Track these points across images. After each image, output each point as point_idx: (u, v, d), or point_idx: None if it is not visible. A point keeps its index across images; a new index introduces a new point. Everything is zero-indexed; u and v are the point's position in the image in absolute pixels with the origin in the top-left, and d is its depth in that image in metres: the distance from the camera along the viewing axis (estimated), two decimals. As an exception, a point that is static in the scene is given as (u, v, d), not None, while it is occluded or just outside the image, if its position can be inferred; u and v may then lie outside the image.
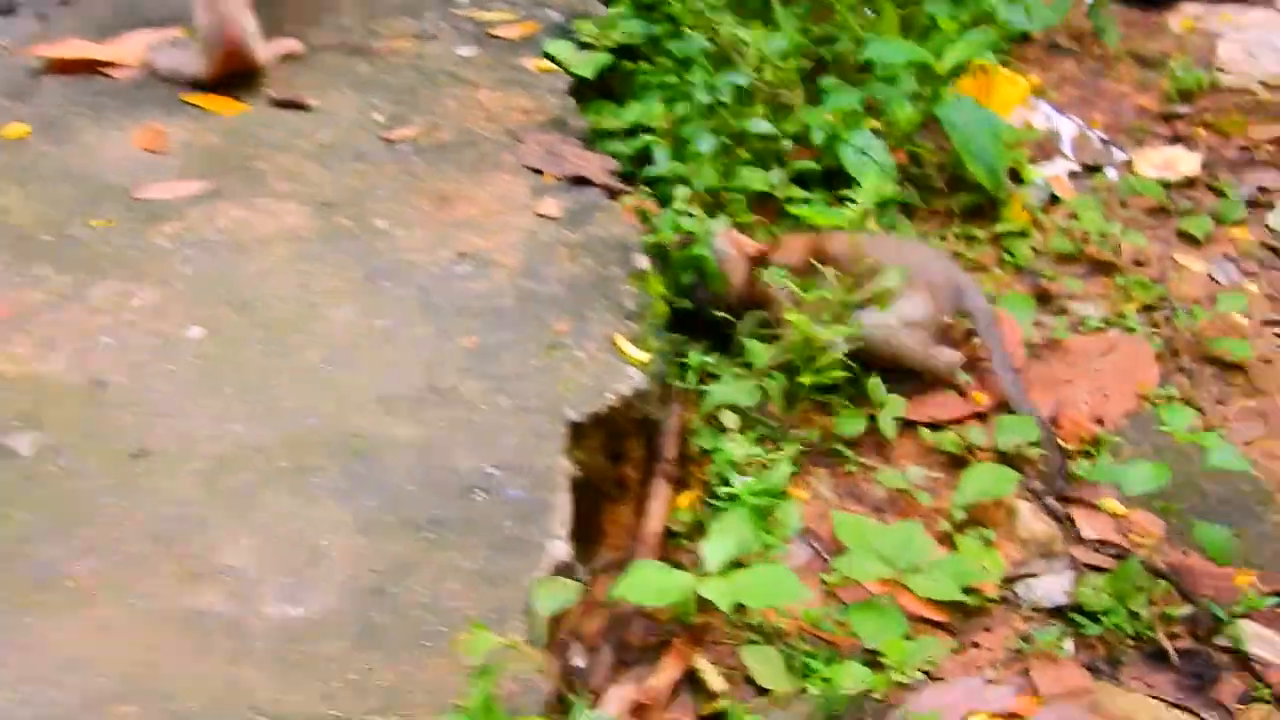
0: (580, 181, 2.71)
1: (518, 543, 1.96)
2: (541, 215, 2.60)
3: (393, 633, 1.84)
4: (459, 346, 2.27)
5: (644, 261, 2.52)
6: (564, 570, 1.93)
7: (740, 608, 2.11)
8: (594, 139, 2.93)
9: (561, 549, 1.96)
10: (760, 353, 2.54)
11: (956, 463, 2.54)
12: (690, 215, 2.63)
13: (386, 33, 3.28)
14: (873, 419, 2.56)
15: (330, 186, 2.69)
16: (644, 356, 2.29)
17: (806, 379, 2.49)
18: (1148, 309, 2.94)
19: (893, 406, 2.57)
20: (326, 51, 3.15)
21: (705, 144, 2.87)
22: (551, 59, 3.14)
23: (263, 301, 2.36)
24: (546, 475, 2.05)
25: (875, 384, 2.57)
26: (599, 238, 2.56)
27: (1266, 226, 3.22)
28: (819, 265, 2.50)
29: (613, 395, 2.19)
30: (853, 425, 2.55)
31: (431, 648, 1.83)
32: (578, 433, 2.15)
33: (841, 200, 2.95)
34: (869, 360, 2.58)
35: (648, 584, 2.06)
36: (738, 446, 2.43)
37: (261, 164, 2.75)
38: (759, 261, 2.65)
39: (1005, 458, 2.53)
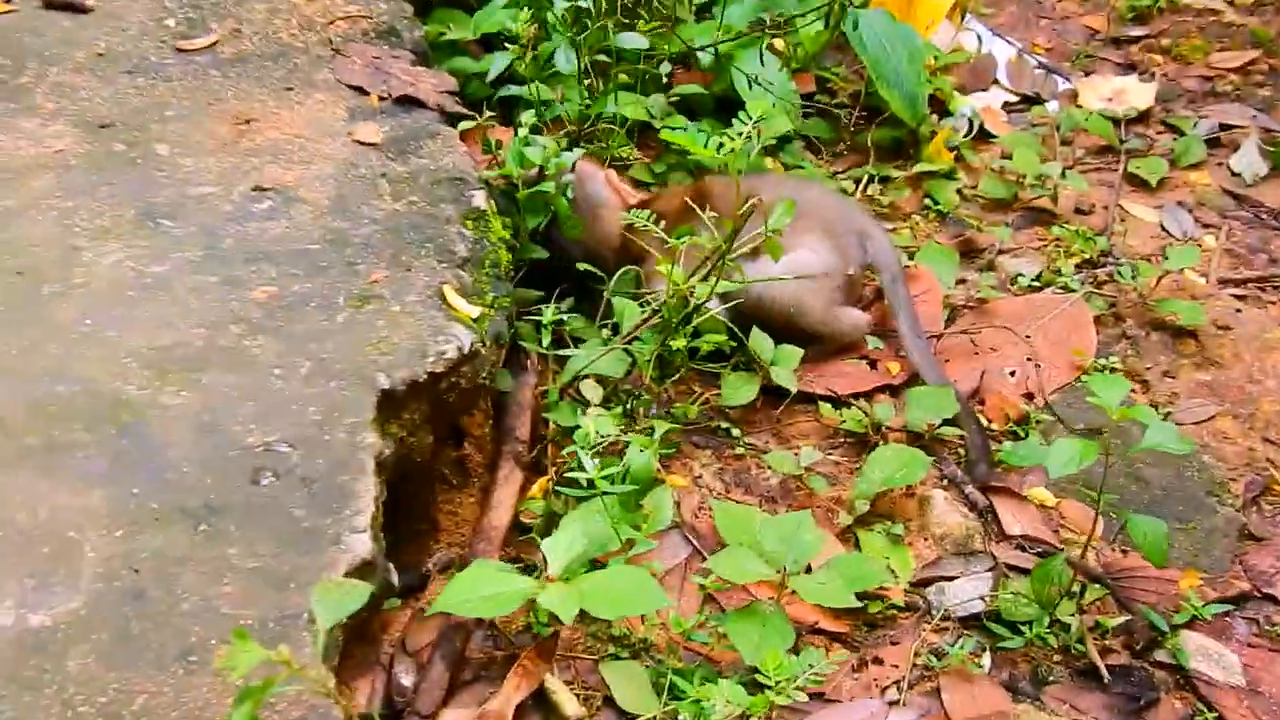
0: (410, 102, 2.63)
1: (311, 536, 1.87)
2: (360, 142, 2.53)
3: (152, 645, 1.75)
4: (250, 298, 2.18)
5: (482, 199, 2.43)
6: (366, 569, 1.85)
7: (590, 617, 2.04)
8: (433, 54, 2.85)
9: (363, 544, 1.87)
10: (630, 313, 2.46)
11: (861, 444, 2.50)
12: (542, 146, 2.54)
13: None
14: (765, 390, 2.50)
15: (107, 104, 2.59)
16: (475, 311, 2.21)
17: (679, 342, 2.42)
18: (1088, 265, 2.92)
19: (786, 359, 2.51)
20: None
21: (566, 61, 2.79)
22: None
23: (14, 242, 2.26)
24: (349, 454, 1.96)
25: (759, 339, 2.50)
26: (428, 170, 2.48)
27: (1229, 169, 3.20)
28: (698, 210, 2.42)
29: (435, 359, 2.10)
30: (739, 395, 2.48)
31: (198, 664, 1.73)
32: (391, 403, 2.06)
33: (734, 134, 2.92)
34: (758, 323, 2.52)
35: (478, 591, 1.97)
36: (601, 424, 2.36)
37: (25, 77, 2.65)
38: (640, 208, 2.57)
39: (918, 439, 2.48)
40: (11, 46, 2.72)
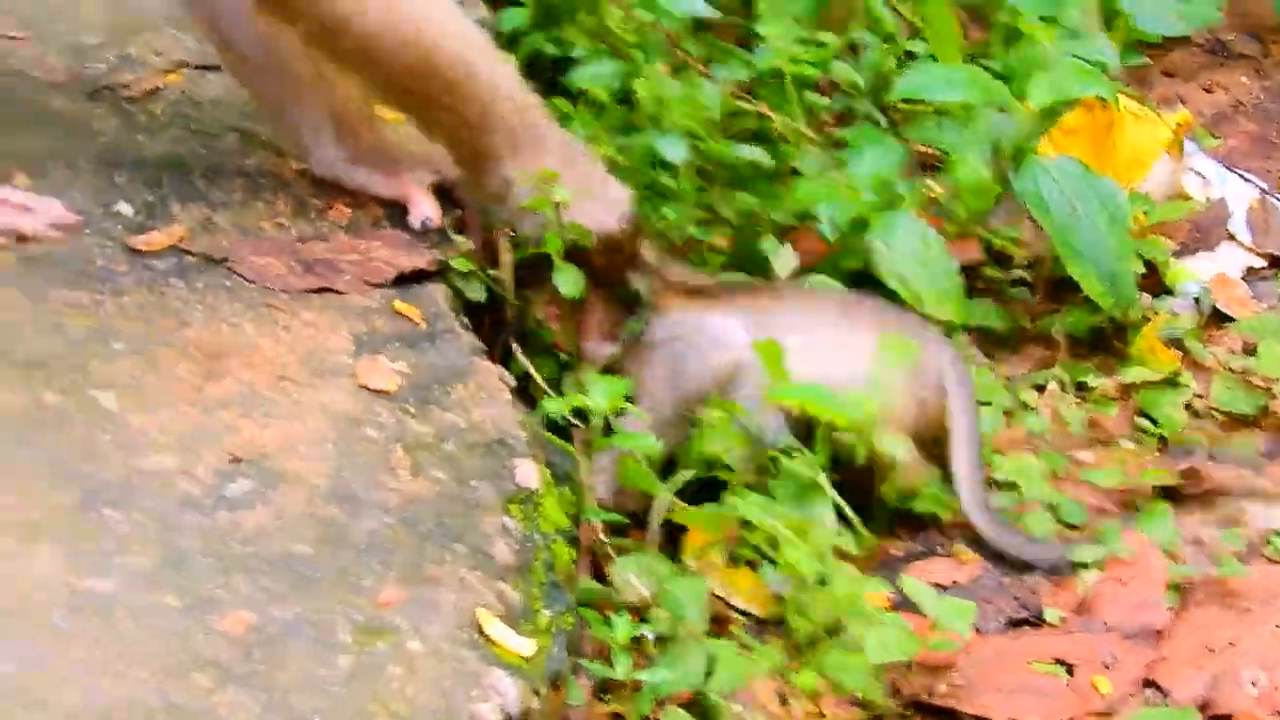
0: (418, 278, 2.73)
1: None
2: (367, 388, 2.53)
3: None
4: (219, 630, 2.15)
5: (531, 471, 2.42)
6: None
7: None
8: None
9: None
10: None
11: None
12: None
13: (149, 57, 3.28)
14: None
15: (38, 334, 2.59)
16: (525, 647, 2.18)
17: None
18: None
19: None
20: (53, 90, 3.15)
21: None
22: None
23: (-89, 545, 2.25)
24: None
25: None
26: (457, 430, 2.48)
27: None
28: None
29: (469, 728, 2.08)
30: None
31: None
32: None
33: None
34: None
35: None
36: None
37: (-70, 293, 2.66)
38: None
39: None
40: (-87, 251, 2.74)
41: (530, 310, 2.89)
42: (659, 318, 2.85)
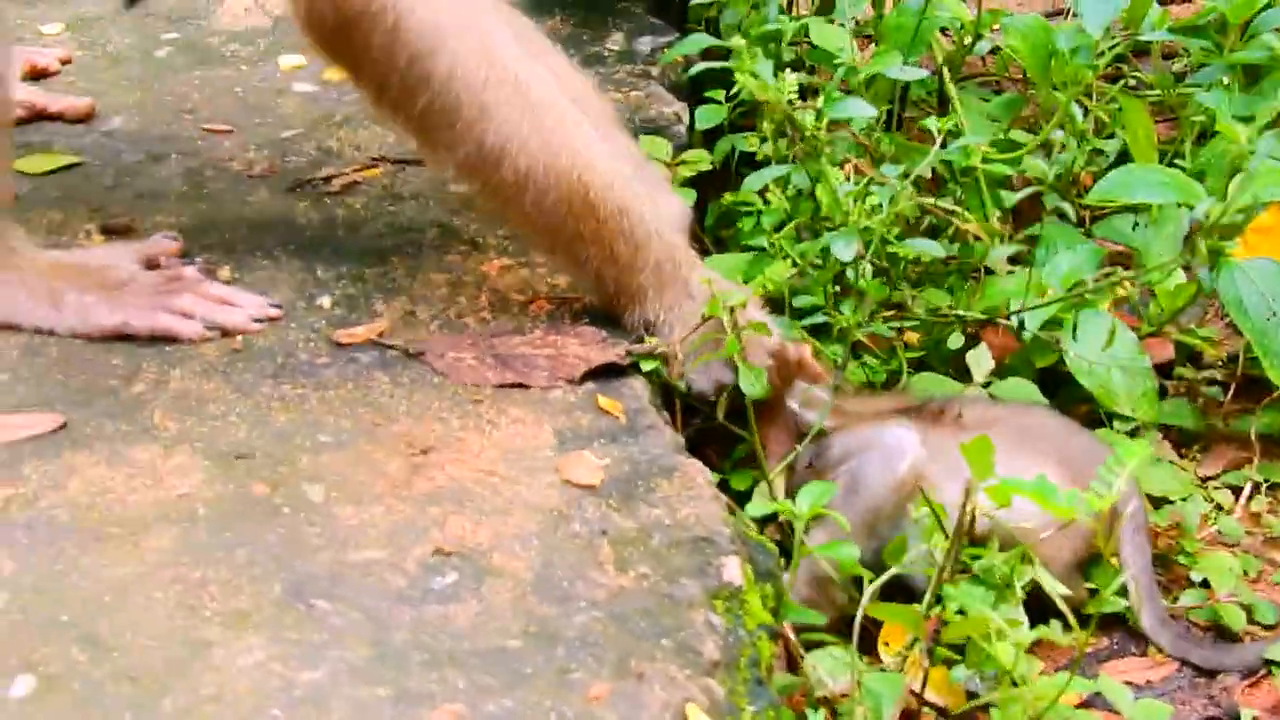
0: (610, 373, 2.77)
1: None
2: (571, 483, 2.54)
3: None
4: (429, 720, 2.17)
5: (736, 568, 2.42)
6: None
7: None
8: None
9: None
10: None
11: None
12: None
13: (346, 155, 3.33)
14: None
15: (244, 425, 2.65)
16: (732, 746, 2.18)
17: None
18: None
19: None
20: (255, 183, 3.22)
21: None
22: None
23: (125, 633, 2.28)
24: None
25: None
26: (662, 525, 2.48)
27: None
28: None
29: (681, 831, 2.08)
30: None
31: None
32: None
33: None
34: None
35: None
36: None
37: (140, 384, 2.73)
38: None
39: None
40: (124, 340, 2.79)
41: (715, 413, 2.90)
42: (838, 436, 2.89)
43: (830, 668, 2.61)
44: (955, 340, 3.12)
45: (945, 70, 3.35)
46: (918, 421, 2.88)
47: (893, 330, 3.19)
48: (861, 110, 3.19)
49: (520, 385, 2.75)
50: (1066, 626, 2.40)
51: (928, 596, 2.55)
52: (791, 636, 2.61)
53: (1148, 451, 2.55)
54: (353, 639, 2.29)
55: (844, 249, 3.01)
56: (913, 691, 2.64)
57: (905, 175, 3.06)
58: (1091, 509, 2.34)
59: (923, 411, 2.93)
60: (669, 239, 2.86)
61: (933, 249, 3.07)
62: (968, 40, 3.51)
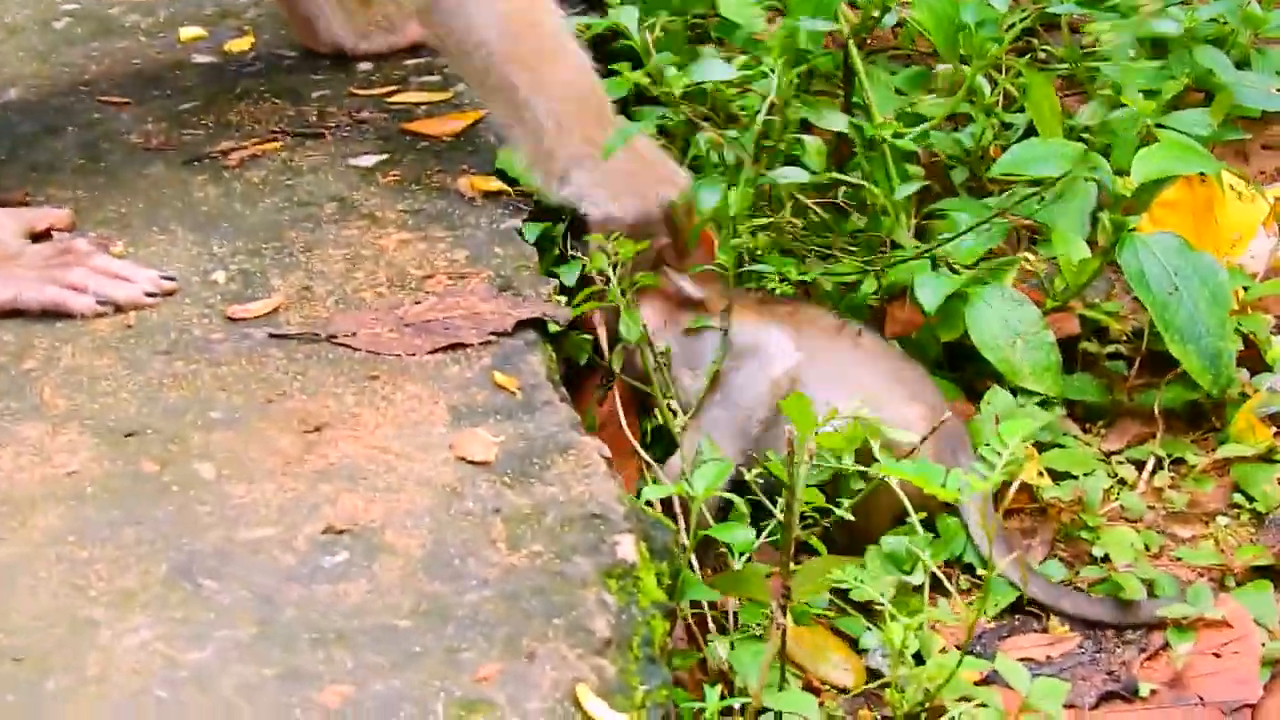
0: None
1: None
2: (465, 460, 2.53)
3: None
4: (318, 702, 2.16)
5: (630, 546, 2.41)
6: None
7: None
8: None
9: None
10: None
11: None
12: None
13: (245, 128, 3.32)
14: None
15: (135, 402, 2.63)
16: (623, 722, 2.18)
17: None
18: None
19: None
20: (151, 156, 3.20)
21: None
22: (504, 175, 3.15)
23: (10, 613, 2.27)
24: None
25: None
26: (556, 503, 2.47)
27: None
28: None
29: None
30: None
31: None
32: None
33: (974, 395, 3.01)
34: None
35: None
36: None
37: (31, 361, 2.72)
38: None
39: None
40: (14, 315, 2.79)
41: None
42: (715, 333, 2.92)
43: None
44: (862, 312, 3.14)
45: (851, 43, 3.33)
46: (807, 329, 2.92)
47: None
48: (719, 73, 3.15)
49: (457, 346, 2.75)
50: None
51: (783, 556, 2.53)
52: (689, 613, 2.62)
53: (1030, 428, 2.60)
54: (240, 618, 2.28)
55: (708, 196, 2.98)
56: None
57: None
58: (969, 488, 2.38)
59: (817, 322, 2.97)
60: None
61: (798, 176, 3.04)
62: (875, 13, 3.49)
